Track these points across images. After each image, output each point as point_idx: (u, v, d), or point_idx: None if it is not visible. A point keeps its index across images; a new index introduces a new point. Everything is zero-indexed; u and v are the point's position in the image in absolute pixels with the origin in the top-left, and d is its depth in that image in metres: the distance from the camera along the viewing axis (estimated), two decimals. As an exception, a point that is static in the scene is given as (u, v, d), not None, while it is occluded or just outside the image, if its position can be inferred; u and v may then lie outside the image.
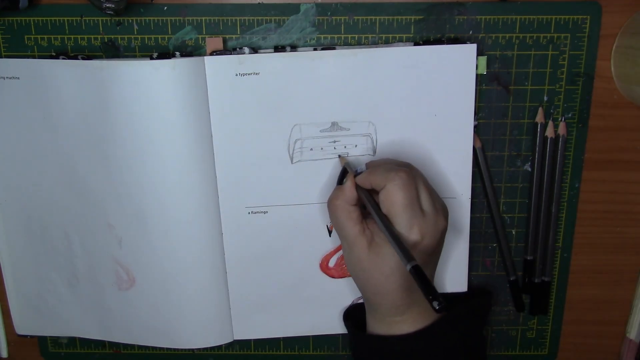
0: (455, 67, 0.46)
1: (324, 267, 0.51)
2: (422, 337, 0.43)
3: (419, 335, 0.43)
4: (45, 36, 0.47)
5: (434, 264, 0.44)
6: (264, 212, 0.49)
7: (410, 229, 0.40)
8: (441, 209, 0.42)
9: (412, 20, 0.47)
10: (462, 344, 0.45)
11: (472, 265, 0.52)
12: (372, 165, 0.44)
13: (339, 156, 0.48)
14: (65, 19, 0.47)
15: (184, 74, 0.45)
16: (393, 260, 0.40)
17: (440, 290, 0.51)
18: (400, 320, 0.43)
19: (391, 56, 0.45)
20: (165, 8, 0.47)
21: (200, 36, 0.47)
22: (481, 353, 0.49)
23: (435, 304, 0.35)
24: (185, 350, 0.55)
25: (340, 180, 0.45)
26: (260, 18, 0.47)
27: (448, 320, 0.44)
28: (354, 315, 0.50)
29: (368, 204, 0.42)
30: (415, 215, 0.40)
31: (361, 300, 0.52)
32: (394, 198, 0.40)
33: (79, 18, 0.47)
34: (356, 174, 0.44)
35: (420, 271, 0.37)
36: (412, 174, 0.41)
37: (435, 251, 0.43)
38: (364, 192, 0.43)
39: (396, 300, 0.42)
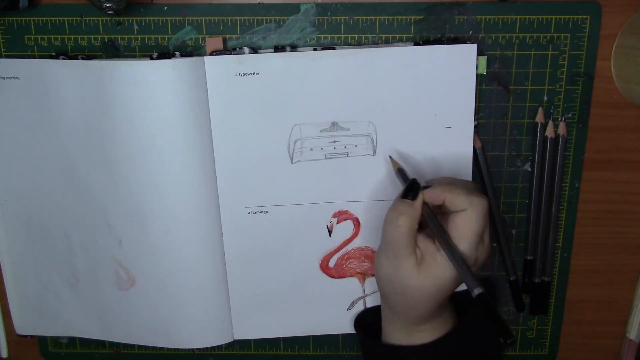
0: (455, 67, 0.46)
1: (324, 267, 0.51)
2: (439, 346, 0.43)
3: (435, 345, 0.43)
4: (45, 36, 0.47)
5: None
6: (264, 212, 0.49)
7: (470, 256, 0.40)
8: (489, 237, 0.42)
9: (412, 20, 0.47)
10: (478, 349, 0.45)
11: (472, 265, 0.52)
12: (444, 184, 0.41)
13: (390, 158, 0.46)
14: (65, 19, 0.47)
15: (184, 74, 0.45)
16: (441, 280, 0.40)
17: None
18: (422, 329, 0.43)
19: (391, 56, 0.45)
20: (165, 8, 0.47)
21: (200, 36, 0.47)
22: (498, 352, 0.49)
23: (507, 338, 0.35)
24: (185, 350, 0.55)
25: (406, 194, 0.41)
26: (260, 18, 0.47)
27: (462, 328, 0.44)
28: (365, 321, 0.50)
29: (435, 224, 0.40)
30: (478, 244, 0.40)
31: (373, 305, 0.52)
32: (472, 224, 0.39)
33: (79, 18, 0.47)
34: (424, 187, 0.42)
35: (487, 298, 0.37)
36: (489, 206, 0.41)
37: None
38: (430, 213, 0.41)
39: (427, 313, 0.42)
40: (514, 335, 0.36)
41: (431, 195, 0.41)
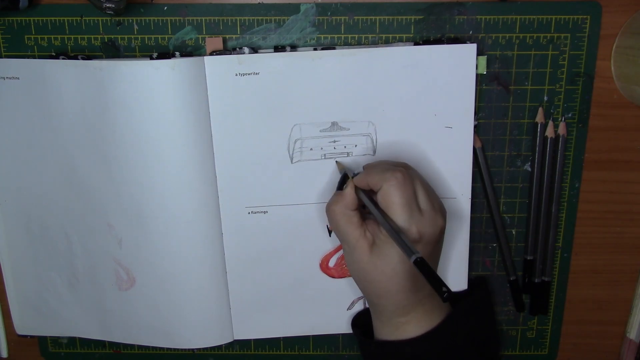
0: (455, 67, 0.46)
1: (324, 267, 0.51)
2: (430, 338, 0.43)
3: (427, 337, 0.43)
4: (45, 36, 0.47)
5: (434, 263, 0.44)
6: (264, 212, 0.49)
7: (408, 228, 0.40)
8: (439, 208, 0.42)
9: (412, 20, 0.47)
10: (472, 340, 0.45)
11: (472, 265, 0.52)
12: (368, 167, 0.44)
13: (337, 162, 0.48)
14: (65, 19, 0.47)
15: (184, 74, 0.45)
16: (395, 260, 0.41)
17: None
18: (405, 321, 0.43)
19: (391, 56, 0.45)
20: (165, 8, 0.47)
21: (200, 36, 0.47)
22: (494, 346, 0.48)
23: (443, 292, 0.36)
24: (185, 350, 0.55)
25: (340, 186, 0.46)
26: (260, 18, 0.47)
27: (453, 318, 0.44)
28: (363, 321, 0.50)
29: (369, 204, 0.42)
30: (413, 214, 0.40)
31: (367, 305, 0.52)
32: (391, 198, 0.40)
33: (79, 18, 0.47)
34: (354, 176, 0.44)
35: (425, 263, 0.37)
36: (409, 174, 0.41)
37: (434, 250, 0.43)
38: (364, 193, 0.43)
39: (401, 301, 0.42)
40: (450, 293, 0.36)
41: (357, 181, 0.43)
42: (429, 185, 0.43)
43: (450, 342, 0.44)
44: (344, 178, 0.45)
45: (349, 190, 0.43)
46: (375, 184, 0.41)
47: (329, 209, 0.43)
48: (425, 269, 0.38)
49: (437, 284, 0.37)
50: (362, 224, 0.42)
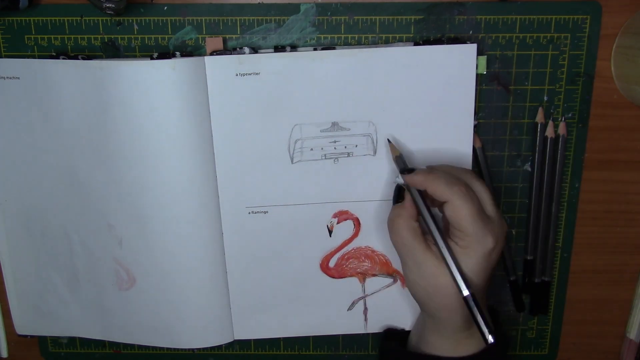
0: (455, 67, 0.46)
1: (324, 267, 0.51)
2: (490, 354, 0.43)
3: (487, 354, 0.43)
4: (45, 36, 0.47)
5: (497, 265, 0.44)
6: (264, 212, 0.49)
7: (484, 238, 0.39)
8: (500, 212, 0.42)
9: (412, 20, 0.47)
10: None
11: (472, 265, 0.52)
12: (431, 173, 0.42)
13: (389, 141, 0.46)
14: (65, 19, 0.47)
15: (184, 74, 0.45)
16: (467, 270, 0.40)
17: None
18: (467, 335, 0.43)
19: (391, 56, 0.45)
20: (165, 8, 0.47)
21: (200, 36, 0.47)
22: None
23: (488, 336, 0.37)
24: (185, 350, 0.55)
25: (396, 199, 0.44)
26: (260, 18, 0.47)
27: (504, 337, 0.45)
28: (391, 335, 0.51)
29: (426, 211, 0.41)
30: (485, 223, 0.40)
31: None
32: (462, 212, 0.39)
33: (79, 18, 0.47)
34: (409, 170, 0.42)
35: (475, 299, 0.38)
36: (473, 183, 0.41)
37: (501, 254, 0.43)
38: (422, 203, 0.42)
39: (465, 314, 0.41)
40: (493, 340, 0.38)
41: (414, 182, 0.42)
42: (489, 190, 0.43)
43: (504, 354, 0.44)
44: (399, 190, 0.44)
45: (409, 200, 0.42)
46: (441, 196, 0.40)
47: (394, 224, 0.42)
48: (475, 306, 0.38)
49: (483, 325, 0.38)
50: (425, 237, 0.42)
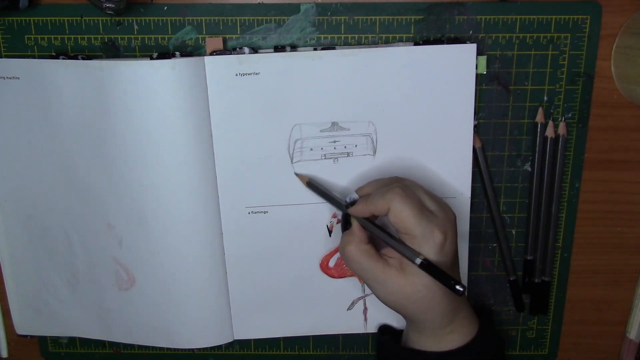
0: (455, 67, 0.46)
1: (324, 267, 0.51)
2: (476, 345, 0.43)
3: (472, 345, 0.43)
4: (45, 36, 0.47)
5: (457, 256, 0.44)
6: (264, 212, 0.49)
7: (432, 234, 0.40)
8: (444, 203, 0.43)
9: (412, 20, 0.47)
10: (502, 350, 0.47)
11: (472, 265, 0.52)
12: (363, 193, 0.44)
13: (296, 174, 0.47)
14: (65, 19, 0.47)
15: (184, 74, 0.45)
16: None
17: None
18: (449, 331, 0.43)
19: (391, 56, 0.45)
20: (165, 8, 0.47)
21: (200, 36, 0.47)
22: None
23: (455, 287, 0.38)
24: (185, 350, 0.55)
25: (344, 226, 0.45)
26: (260, 18, 0.47)
27: (486, 326, 0.45)
28: (387, 330, 0.51)
29: (375, 229, 0.42)
30: (429, 219, 0.40)
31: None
32: (403, 214, 0.40)
33: (79, 18, 0.47)
34: (351, 203, 0.44)
35: (430, 263, 0.39)
36: (406, 185, 0.42)
37: (456, 243, 0.43)
38: (367, 221, 0.43)
39: (445, 309, 0.42)
40: (464, 286, 0.38)
41: (359, 211, 0.43)
42: (425, 187, 0.44)
43: (489, 350, 0.45)
44: (346, 217, 0.45)
45: (356, 225, 0.43)
46: (381, 209, 0.41)
47: (346, 252, 0.43)
48: (434, 269, 0.39)
49: (448, 281, 0.38)
50: (380, 255, 0.43)
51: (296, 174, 0.47)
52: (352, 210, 0.43)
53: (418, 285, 0.41)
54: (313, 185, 0.47)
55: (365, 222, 0.43)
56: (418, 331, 0.44)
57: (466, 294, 0.38)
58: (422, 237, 0.40)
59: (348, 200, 0.45)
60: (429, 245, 0.40)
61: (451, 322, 0.43)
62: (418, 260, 0.39)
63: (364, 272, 0.42)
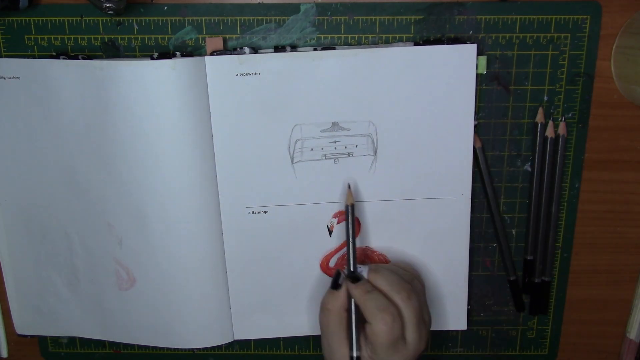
0: (455, 67, 0.46)
1: (324, 267, 0.51)
2: None
3: None
4: (45, 36, 0.47)
5: None
6: (265, 212, 0.49)
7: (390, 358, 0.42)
8: (425, 334, 0.44)
9: (412, 20, 0.47)
10: None
11: (472, 265, 0.52)
12: (373, 278, 0.44)
13: (348, 199, 0.47)
14: (65, 19, 0.47)
15: (184, 74, 0.44)
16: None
17: (440, 289, 0.51)
18: None
19: (391, 56, 0.45)
20: (165, 8, 0.47)
21: (200, 36, 0.47)
22: None
23: None
24: (185, 350, 0.55)
25: (334, 283, 0.45)
26: (260, 18, 0.47)
27: None
28: None
29: (355, 307, 0.44)
30: (396, 350, 0.42)
31: None
32: (378, 339, 0.42)
33: (79, 18, 0.47)
34: (351, 276, 0.44)
35: None
36: (403, 306, 0.42)
37: None
38: (351, 299, 0.44)
39: None
40: None
41: (352, 293, 0.44)
42: (426, 301, 0.46)
43: None
44: (337, 276, 0.45)
45: (344, 292, 0.44)
46: (368, 317, 0.42)
47: (326, 307, 0.44)
48: None
49: None
50: (345, 328, 0.44)
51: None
52: (352, 286, 0.44)
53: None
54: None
55: (352, 303, 0.44)
56: None
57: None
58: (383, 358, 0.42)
59: (359, 270, 0.45)
60: None
61: None
62: (353, 355, 0.42)
63: (327, 331, 0.45)
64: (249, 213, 0.49)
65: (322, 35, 0.47)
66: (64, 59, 0.46)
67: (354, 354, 0.43)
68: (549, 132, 0.48)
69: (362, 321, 0.43)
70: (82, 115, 0.46)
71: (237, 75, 0.45)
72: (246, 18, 0.47)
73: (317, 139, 0.47)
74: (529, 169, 0.50)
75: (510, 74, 0.48)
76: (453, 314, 0.52)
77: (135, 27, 0.47)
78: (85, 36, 0.47)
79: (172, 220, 0.48)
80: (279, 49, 0.47)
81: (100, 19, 0.47)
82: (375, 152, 0.48)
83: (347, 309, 0.44)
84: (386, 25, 0.47)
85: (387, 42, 0.47)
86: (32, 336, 0.55)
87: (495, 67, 0.47)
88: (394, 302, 0.42)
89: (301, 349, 0.55)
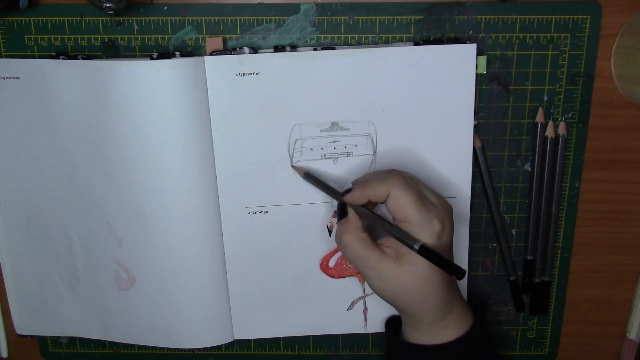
0: (455, 67, 0.46)
1: (324, 267, 0.51)
2: (470, 338, 0.43)
3: (467, 338, 0.43)
4: (45, 36, 0.47)
5: (452, 248, 0.44)
6: (264, 212, 0.49)
7: (430, 222, 0.40)
8: (440, 195, 0.43)
9: (412, 20, 0.47)
10: (493, 344, 0.47)
11: (472, 265, 0.52)
12: (361, 182, 0.43)
13: (293, 166, 0.47)
14: (65, 19, 0.47)
15: (184, 74, 0.45)
16: (424, 260, 0.40)
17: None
18: (444, 324, 0.43)
19: (391, 56, 0.45)
20: (165, 8, 0.47)
21: (200, 36, 0.47)
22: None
23: (456, 271, 0.38)
24: (185, 350, 0.55)
25: (341, 214, 0.44)
26: (260, 18, 0.47)
27: (480, 319, 0.45)
28: (394, 323, 0.50)
29: (372, 216, 0.42)
30: (428, 208, 0.40)
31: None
32: (403, 200, 0.40)
33: (79, 18, 0.47)
34: (347, 191, 0.44)
35: (428, 248, 0.39)
36: (405, 174, 0.42)
37: (452, 235, 0.43)
38: (364, 209, 0.43)
39: (440, 302, 0.42)
40: (464, 270, 0.39)
41: (355, 198, 0.42)
42: (422, 181, 0.44)
43: (483, 343, 0.44)
44: (342, 206, 0.44)
45: (352, 213, 0.43)
46: (379, 194, 0.41)
47: (342, 240, 0.42)
48: (433, 255, 0.38)
49: (448, 266, 0.38)
50: (377, 243, 0.42)
51: (293, 167, 0.47)
52: (348, 197, 0.43)
53: (414, 276, 0.41)
54: (310, 176, 0.47)
55: (362, 210, 0.43)
56: (414, 326, 0.44)
57: (466, 278, 0.38)
58: (421, 224, 0.40)
59: (344, 189, 0.45)
60: (427, 233, 0.40)
61: (446, 315, 0.43)
62: (417, 246, 0.39)
63: (360, 261, 0.42)
64: (249, 213, 0.49)
65: (322, 35, 0.47)
66: (64, 59, 0.46)
67: (416, 246, 0.39)
68: (549, 132, 0.48)
69: (383, 227, 0.42)
70: (82, 115, 0.46)
71: (236, 75, 0.45)
72: (246, 18, 0.47)
73: (317, 138, 0.47)
74: (529, 169, 0.50)
75: (510, 74, 0.48)
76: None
77: (135, 27, 0.47)
78: (85, 36, 0.47)
79: (172, 220, 0.48)
80: (278, 49, 0.47)
81: (100, 19, 0.47)
82: (375, 152, 0.48)
83: (363, 230, 0.42)
84: (386, 25, 0.47)
85: (387, 42, 0.47)
86: (32, 336, 0.55)
87: (495, 67, 0.47)
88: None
89: (301, 349, 0.55)
